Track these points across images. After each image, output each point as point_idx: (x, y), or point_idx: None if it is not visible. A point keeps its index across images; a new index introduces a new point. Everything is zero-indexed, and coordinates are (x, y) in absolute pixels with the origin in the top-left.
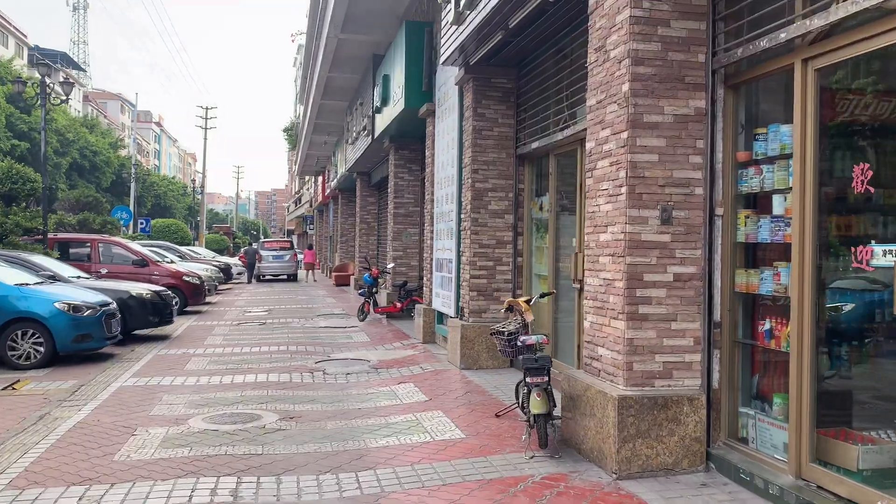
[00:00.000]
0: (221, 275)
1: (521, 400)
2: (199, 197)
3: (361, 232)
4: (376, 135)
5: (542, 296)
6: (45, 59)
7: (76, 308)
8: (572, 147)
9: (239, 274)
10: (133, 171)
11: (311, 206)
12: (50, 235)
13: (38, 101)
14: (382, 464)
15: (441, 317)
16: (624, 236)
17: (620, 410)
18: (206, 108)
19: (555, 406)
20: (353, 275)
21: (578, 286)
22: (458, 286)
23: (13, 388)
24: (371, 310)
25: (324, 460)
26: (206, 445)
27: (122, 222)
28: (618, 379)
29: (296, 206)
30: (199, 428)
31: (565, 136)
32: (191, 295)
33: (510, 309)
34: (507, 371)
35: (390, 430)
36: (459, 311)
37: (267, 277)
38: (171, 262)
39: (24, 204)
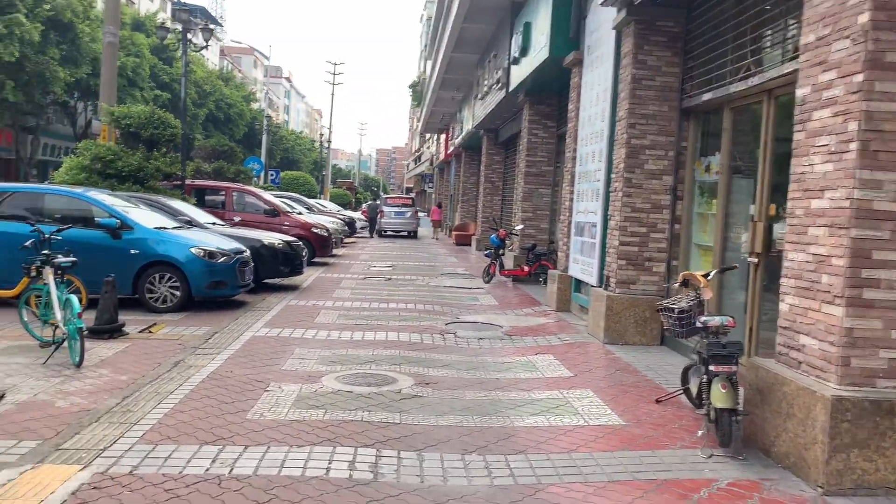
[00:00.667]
0: (346, 228)
1: (698, 390)
2: (325, 152)
3: (486, 192)
4: (511, 88)
5: (723, 270)
6: (186, 11)
7: (211, 254)
8: (754, 99)
9: (362, 228)
10: (266, 123)
11: (431, 164)
12: (187, 182)
13: (180, 51)
14: (533, 448)
15: (578, 285)
16: (849, 203)
17: (834, 414)
18: (335, 64)
19: (738, 401)
20: (473, 235)
21: (756, 260)
22: (603, 253)
23: (150, 332)
24: (497, 272)
25: (467, 437)
26: (340, 409)
27: (254, 172)
28: (828, 375)
29: (415, 164)
30: (333, 388)
31: (748, 87)
32: (319, 247)
33: (685, 283)
34: (657, 349)
35: (536, 407)
36: (604, 281)
37: (388, 233)
38: (300, 213)
39: (164, 150)
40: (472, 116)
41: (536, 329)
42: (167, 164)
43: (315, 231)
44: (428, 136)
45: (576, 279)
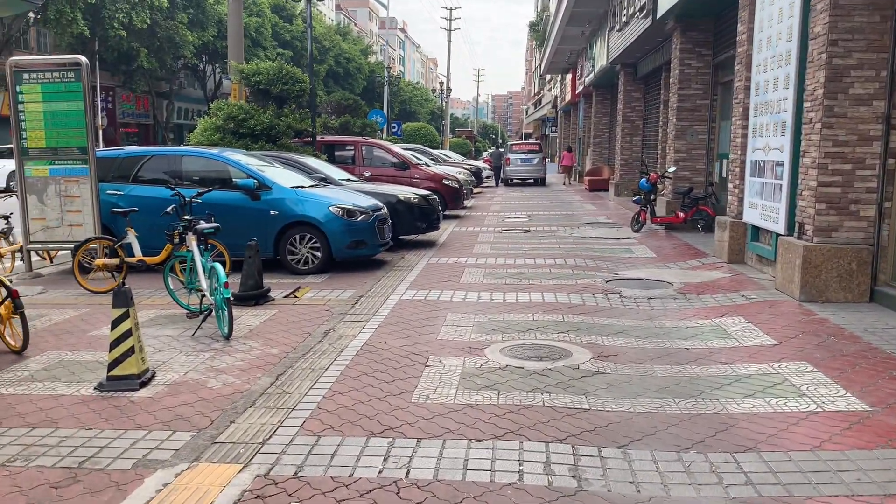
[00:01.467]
0: (473, 178)
1: None
2: (445, 101)
3: (624, 132)
4: (659, 14)
5: None
6: None
7: (350, 213)
8: None
9: (487, 177)
10: (387, 74)
11: (553, 107)
12: (318, 138)
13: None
14: (765, 443)
15: (756, 232)
16: None
17: None
18: (451, 9)
19: None
20: (610, 179)
21: None
22: (793, 195)
23: (295, 297)
24: (647, 219)
25: (675, 428)
26: (514, 389)
27: (378, 125)
28: None
29: (535, 108)
30: (500, 362)
31: None
32: (450, 199)
33: None
34: (867, 307)
35: (747, 386)
36: (797, 228)
37: (514, 181)
38: (428, 165)
39: (294, 106)
40: (606, 51)
41: (712, 285)
42: (297, 120)
43: (446, 183)
44: (549, 77)
45: (752, 226)
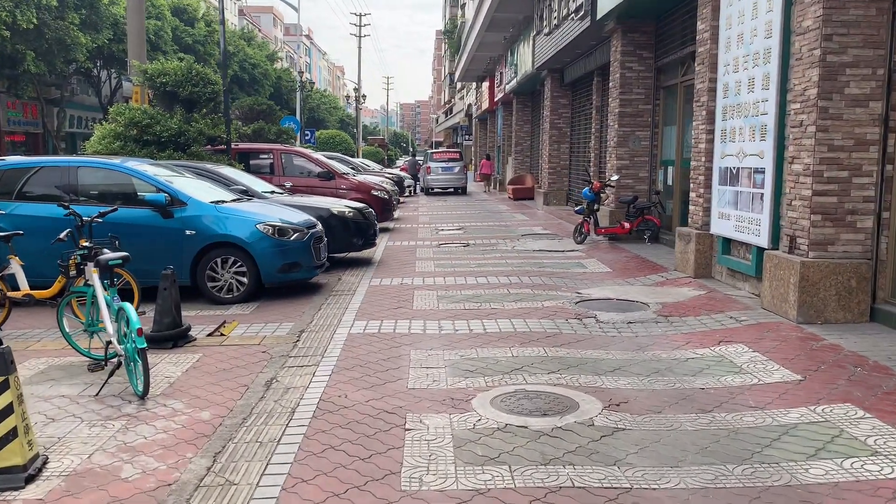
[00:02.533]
0: (396, 188)
1: None
2: (351, 110)
3: (552, 139)
4: (599, 15)
5: None
6: None
7: (281, 231)
8: None
9: (408, 186)
10: (299, 78)
11: (467, 115)
12: (233, 145)
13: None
14: None
15: (727, 245)
16: None
17: None
18: (360, 15)
19: None
20: (535, 187)
21: None
22: (777, 205)
23: (221, 334)
24: (591, 230)
25: None
26: (528, 462)
27: (294, 132)
28: None
29: (446, 116)
30: (497, 420)
31: None
32: (381, 211)
33: None
34: (870, 327)
35: (800, 441)
36: (786, 242)
37: (435, 190)
38: (353, 174)
39: (205, 110)
40: (531, 57)
41: (691, 305)
42: (209, 125)
43: (375, 194)
44: (462, 86)
45: (723, 239)
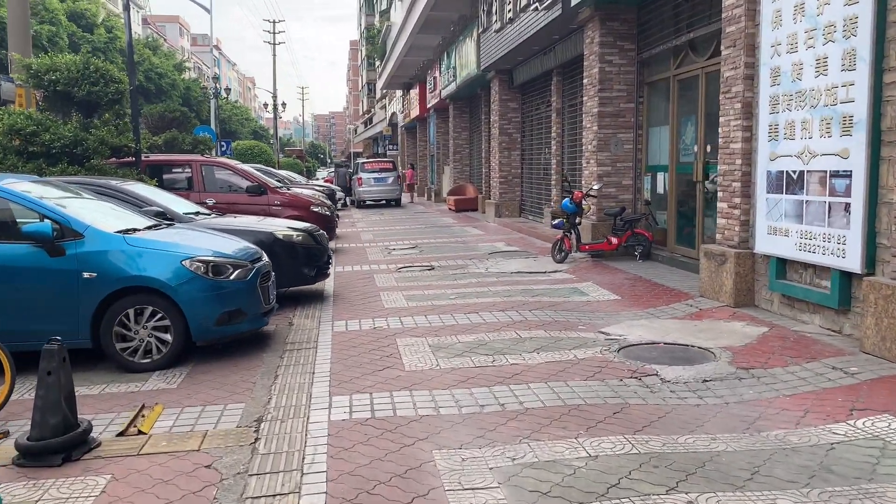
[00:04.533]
0: (329, 202)
1: None
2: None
3: (501, 146)
4: (574, 1)
5: None
6: None
7: (217, 268)
8: None
9: (339, 199)
10: (213, 85)
11: (390, 124)
12: (143, 157)
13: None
14: None
15: (781, 268)
16: None
17: None
18: (274, 22)
19: None
20: (478, 198)
21: None
22: (871, 218)
23: (138, 431)
24: (572, 247)
25: None
26: None
27: (212, 142)
28: None
29: (365, 126)
30: None
31: None
32: (324, 230)
33: None
34: None
35: None
36: (885, 266)
37: (367, 203)
38: (287, 188)
39: (107, 115)
40: (475, 57)
41: (764, 350)
42: (113, 133)
43: (316, 210)
44: (384, 93)
45: (777, 259)
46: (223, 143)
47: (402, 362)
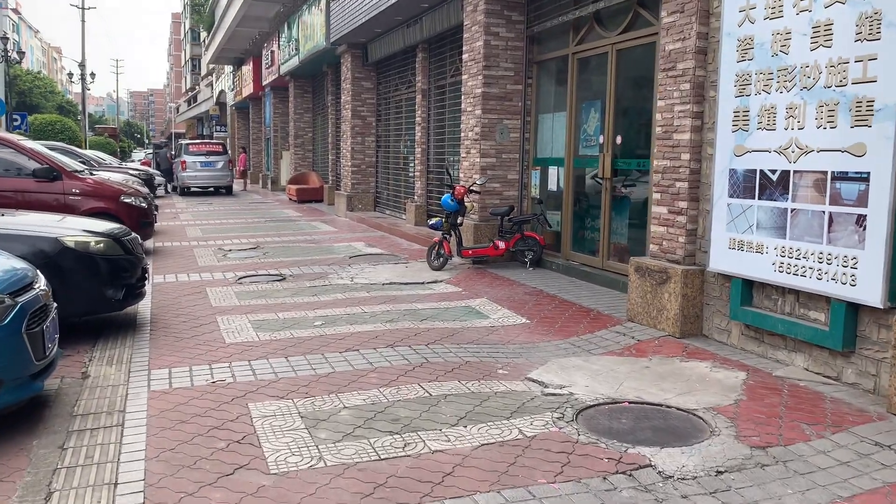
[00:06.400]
0: (147, 189)
1: None
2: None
3: (354, 131)
4: None
5: None
6: None
7: None
8: None
9: (158, 185)
10: (2, 46)
11: (218, 103)
12: None
13: None
14: None
15: (747, 293)
16: None
17: None
18: None
19: None
20: (324, 188)
21: None
22: None
23: None
24: (453, 251)
25: None
26: None
27: None
28: None
29: (189, 105)
30: None
31: None
32: (135, 227)
33: None
34: None
35: None
36: None
37: (193, 190)
38: (90, 172)
39: None
40: (322, 28)
41: (761, 410)
42: None
43: (127, 201)
44: (211, 69)
45: (742, 281)
46: (17, 116)
47: (263, 457)
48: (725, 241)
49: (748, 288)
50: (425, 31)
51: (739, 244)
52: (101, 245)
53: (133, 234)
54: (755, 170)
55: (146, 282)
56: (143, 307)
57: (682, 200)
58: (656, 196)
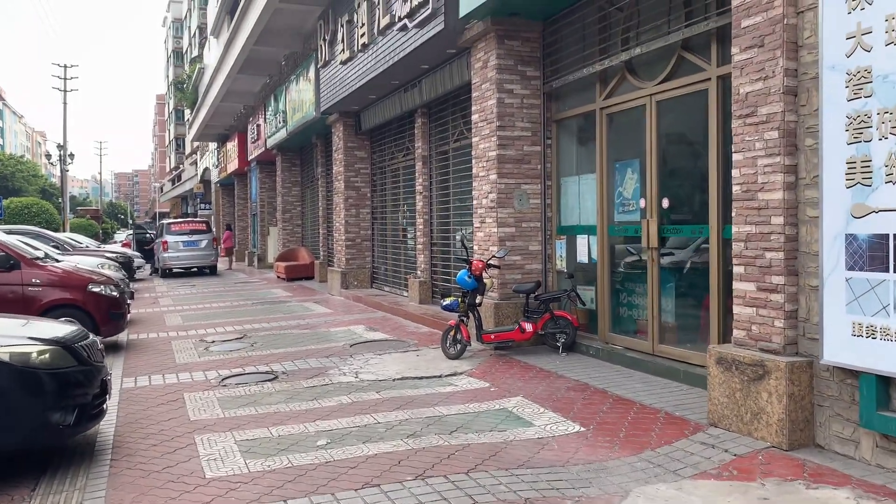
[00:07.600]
0: (124, 273)
1: None
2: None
3: (348, 203)
4: (464, 11)
5: None
6: None
7: None
8: None
9: (139, 268)
10: None
11: (202, 180)
12: None
13: None
14: None
15: (883, 393)
16: None
17: None
18: (66, 67)
19: None
20: (315, 264)
21: None
22: None
23: None
24: (470, 336)
25: None
26: None
27: None
28: None
29: (173, 184)
30: None
31: None
32: (105, 319)
33: None
34: None
35: None
36: None
37: (175, 271)
38: (55, 260)
39: None
40: (312, 96)
41: None
42: None
43: (95, 291)
44: (195, 147)
45: (878, 378)
46: None
47: None
48: (846, 326)
49: (884, 386)
50: (425, 95)
51: (869, 330)
52: (47, 356)
53: (91, 339)
54: (886, 234)
55: (107, 396)
56: (107, 424)
57: (775, 275)
58: (738, 270)
